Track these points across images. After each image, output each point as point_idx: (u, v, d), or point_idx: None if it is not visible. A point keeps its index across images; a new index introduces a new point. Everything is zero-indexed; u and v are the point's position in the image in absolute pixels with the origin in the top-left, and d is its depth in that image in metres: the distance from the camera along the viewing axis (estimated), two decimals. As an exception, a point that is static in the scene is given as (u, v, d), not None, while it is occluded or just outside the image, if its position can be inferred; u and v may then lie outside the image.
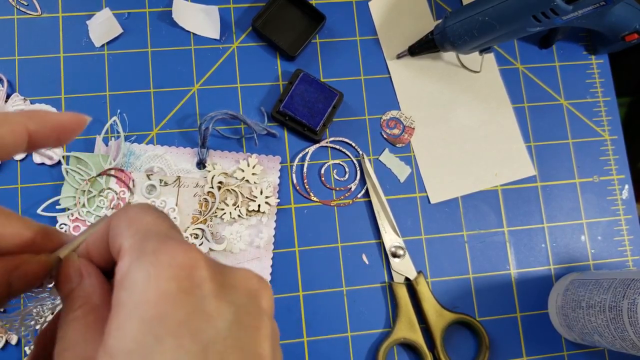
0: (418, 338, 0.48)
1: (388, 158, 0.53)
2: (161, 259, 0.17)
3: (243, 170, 0.50)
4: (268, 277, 0.49)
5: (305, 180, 0.51)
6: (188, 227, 0.48)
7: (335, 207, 0.51)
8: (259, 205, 0.49)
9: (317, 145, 0.52)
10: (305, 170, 0.52)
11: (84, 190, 0.48)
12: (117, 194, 0.48)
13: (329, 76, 0.53)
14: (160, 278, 0.17)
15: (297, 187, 0.51)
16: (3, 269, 0.20)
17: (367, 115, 0.53)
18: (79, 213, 0.48)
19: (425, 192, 0.52)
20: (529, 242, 0.53)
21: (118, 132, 0.50)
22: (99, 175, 0.48)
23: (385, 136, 0.53)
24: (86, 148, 0.49)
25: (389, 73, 0.54)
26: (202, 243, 0.48)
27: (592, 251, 0.53)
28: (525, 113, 0.55)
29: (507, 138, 0.54)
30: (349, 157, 0.52)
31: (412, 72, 0.54)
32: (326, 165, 0.52)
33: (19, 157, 0.49)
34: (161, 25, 0.52)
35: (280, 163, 0.51)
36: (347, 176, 0.52)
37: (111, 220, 0.20)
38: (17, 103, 0.49)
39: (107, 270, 0.21)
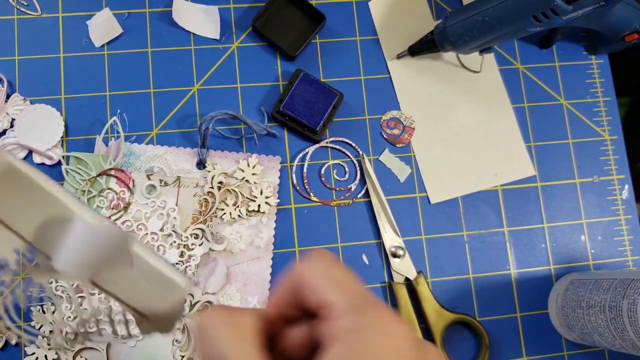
0: (418, 338, 0.48)
1: (388, 158, 0.53)
2: (387, 334, 0.20)
3: (243, 171, 0.50)
4: (268, 277, 0.49)
5: (305, 180, 0.51)
6: (188, 227, 0.48)
7: (335, 207, 0.51)
8: (259, 206, 0.49)
9: (317, 145, 0.52)
10: (305, 170, 0.52)
11: (84, 191, 0.48)
12: (117, 194, 0.48)
13: (329, 76, 0.53)
14: (390, 352, 0.20)
15: (297, 187, 0.51)
16: None
17: (367, 115, 0.53)
18: (79, 213, 0.48)
19: (425, 192, 0.52)
20: (529, 242, 0.53)
21: (118, 132, 0.50)
22: (99, 175, 0.48)
23: (385, 136, 0.53)
24: (86, 148, 0.49)
25: (389, 73, 0.54)
26: (202, 243, 0.48)
27: (592, 251, 0.53)
28: (525, 113, 0.55)
29: (507, 138, 0.54)
30: (349, 157, 0.52)
31: (412, 72, 0.54)
32: (326, 165, 0.52)
33: (20, 156, 0.49)
34: (161, 25, 0.52)
35: (280, 163, 0.51)
36: (347, 176, 0.52)
37: (305, 271, 0.23)
38: (17, 103, 0.49)
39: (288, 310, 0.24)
